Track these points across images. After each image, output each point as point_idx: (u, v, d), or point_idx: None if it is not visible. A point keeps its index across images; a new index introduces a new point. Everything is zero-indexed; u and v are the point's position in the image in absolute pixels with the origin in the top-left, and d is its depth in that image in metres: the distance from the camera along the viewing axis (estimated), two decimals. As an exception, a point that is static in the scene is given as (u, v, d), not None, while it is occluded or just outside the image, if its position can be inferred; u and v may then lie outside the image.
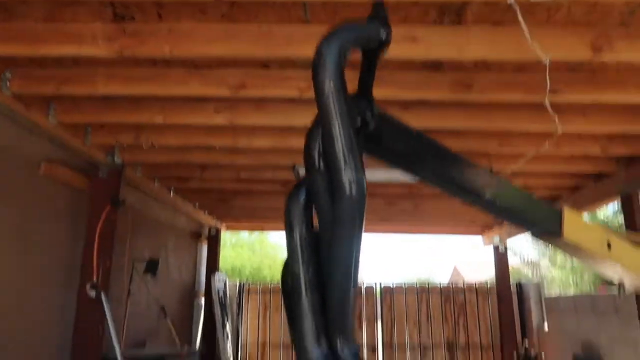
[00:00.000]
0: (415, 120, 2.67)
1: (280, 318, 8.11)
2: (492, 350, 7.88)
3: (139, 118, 3.56)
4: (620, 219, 6.89)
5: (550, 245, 1.57)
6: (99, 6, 2.47)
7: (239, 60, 2.95)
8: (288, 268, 1.13)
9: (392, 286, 8.34)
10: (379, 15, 1.21)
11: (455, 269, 26.53)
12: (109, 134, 3.99)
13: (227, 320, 7.50)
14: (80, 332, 3.88)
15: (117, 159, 4.26)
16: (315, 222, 1.16)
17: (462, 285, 8.58)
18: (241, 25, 2.55)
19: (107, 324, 3.80)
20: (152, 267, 5.06)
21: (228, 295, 7.91)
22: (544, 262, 13.78)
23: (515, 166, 4.02)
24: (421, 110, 3.32)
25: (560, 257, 12.92)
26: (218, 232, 7.91)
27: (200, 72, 3.03)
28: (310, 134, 1.14)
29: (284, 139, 3.88)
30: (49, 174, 3.77)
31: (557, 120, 2.90)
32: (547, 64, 2.38)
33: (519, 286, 7.89)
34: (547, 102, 2.67)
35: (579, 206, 4.91)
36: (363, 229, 1.07)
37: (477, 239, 8.60)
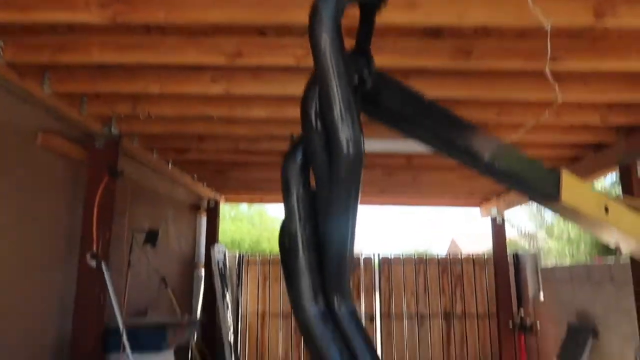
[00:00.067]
0: (414, 88, 2.64)
1: (279, 288, 8.21)
2: (488, 320, 8.02)
3: (134, 87, 3.53)
4: (618, 190, 6.92)
5: (548, 209, 1.57)
6: (91, -30, 2.42)
7: (235, 28, 2.90)
8: (285, 227, 1.13)
9: (390, 257, 8.42)
10: None
11: (453, 241, 26.74)
12: (105, 104, 3.95)
13: (227, 291, 7.58)
14: (82, 302, 3.92)
15: (114, 130, 4.23)
16: (313, 182, 1.16)
17: (459, 256, 8.67)
18: (237, -10, 2.50)
19: (108, 294, 3.84)
20: (151, 237, 5.09)
21: (228, 266, 7.99)
22: (541, 234, 13.89)
23: (514, 136, 3.99)
24: (420, 79, 3.28)
25: (557, 228, 13.02)
26: (217, 204, 7.94)
27: (195, 40, 2.98)
28: (307, 93, 1.12)
29: (281, 109, 3.85)
30: (46, 145, 3.74)
31: (557, 88, 2.87)
32: (549, 30, 2.34)
33: (516, 257, 7.97)
34: (547, 70, 2.64)
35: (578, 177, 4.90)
36: (360, 188, 1.07)
37: (475, 211, 8.65)
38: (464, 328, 8.10)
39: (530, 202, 11.60)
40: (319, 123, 1.08)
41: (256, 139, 4.80)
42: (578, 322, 5.98)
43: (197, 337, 6.51)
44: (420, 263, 8.35)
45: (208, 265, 7.36)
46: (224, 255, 7.82)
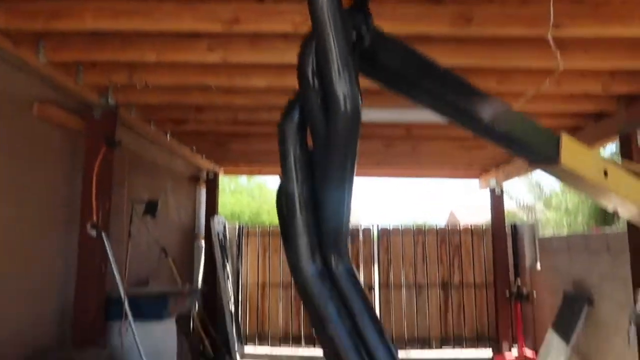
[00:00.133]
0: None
1: (279, 259, 8.29)
2: (485, 289, 8.12)
3: (130, 56, 3.48)
4: (618, 160, 6.89)
5: (547, 173, 1.57)
6: None
7: (231, -7, 2.85)
8: (283, 188, 1.13)
9: (389, 228, 8.47)
10: None
11: (451, 213, 26.88)
12: (101, 73, 3.91)
13: (227, 262, 7.66)
14: (83, 271, 3.96)
15: (111, 100, 4.19)
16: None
17: (457, 227, 8.72)
18: (233, -47, 2.44)
19: (109, 263, 3.87)
20: (151, 208, 5.10)
21: (228, 237, 8.05)
22: (539, 206, 13.96)
23: (515, 105, 3.97)
24: (420, 47, 3.21)
25: (555, 199, 13.07)
26: (216, 175, 7.94)
27: (191, 6, 2.93)
28: (303, 49, 1.10)
29: (280, 78, 3.81)
30: (42, 115, 3.72)
31: (559, 56, 2.84)
32: (552, -6, 2.29)
33: (514, 227, 8.03)
34: (549, 37, 2.60)
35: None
36: (357, 146, 1.06)
37: (474, 183, 8.67)
38: (462, 297, 8.21)
39: (528, 174, 11.62)
40: (316, 80, 1.06)
41: (255, 109, 4.77)
42: (574, 290, 6.06)
43: (198, 307, 6.61)
44: (419, 234, 8.41)
45: (208, 236, 7.42)
46: (224, 227, 7.87)
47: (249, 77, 3.82)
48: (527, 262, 7.65)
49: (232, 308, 7.34)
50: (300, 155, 1.09)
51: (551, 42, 2.62)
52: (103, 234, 3.86)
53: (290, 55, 3.30)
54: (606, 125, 4.49)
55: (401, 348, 7.90)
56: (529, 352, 6.88)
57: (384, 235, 8.43)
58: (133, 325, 3.77)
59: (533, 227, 7.94)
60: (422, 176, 9.21)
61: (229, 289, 7.36)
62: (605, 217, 11.43)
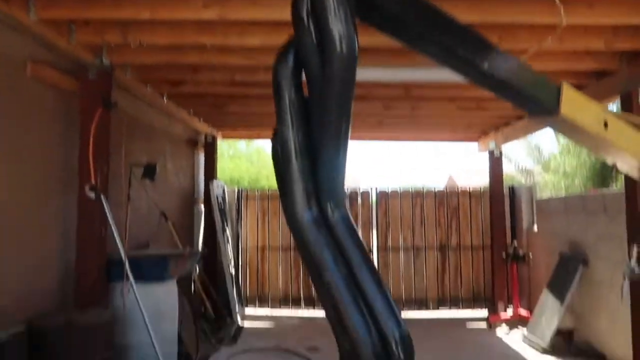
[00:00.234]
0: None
1: (278, 223, 8.34)
2: (482, 251, 8.22)
3: (124, 13, 3.40)
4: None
5: (547, 124, 1.55)
6: None
7: (226, -55, 2.75)
8: (278, 134, 1.11)
9: (387, 191, 8.50)
10: None
11: (450, 178, 26.93)
12: (95, 32, 3.82)
13: (227, 226, 7.71)
14: (83, 233, 3.97)
15: (105, 60, 4.12)
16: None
17: (456, 190, 8.75)
18: None
19: (109, 226, 3.88)
20: (149, 172, 5.08)
21: (227, 201, 8.07)
22: (538, 169, 13.97)
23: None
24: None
25: (553, 162, 13.07)
26: (214, 139, 7.90)
27: (185, -40, 2.84)
28: None
29: (278, 36, 3.70)
30: (35, 75, 3.66)
31: (562, 11, 2.78)
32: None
33: (512, 190, 8.05)
34: (553, -10, 2.54)
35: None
36: (354, 90, 1.04)
37: (473, 146, 8.64)
38: (459, 259, 8.32)
39: (528, 137, 11.57)
40: (311, 22, 1.03)
41: (252, 70, 4.69)
42: (570, 251, 6.13)
43: (199, 270, 6.69)
44: (417, 196, 8.44)
45: (207, 200, 7.44)
46: (223, 191, 7.89)
47: (246, 35, 3.74)
48: (524, 224, 7.71)
49: (233, 271, 7.43)
50: (295, 99, 1.07)
51: (555, -4, 2.55)
52: (102, 197, 3.85)
53: (288, 12, 3.23)
54: (608, 84, 4.44)
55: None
56: (523, 312, 7.01)
57: (382, 198, 8.45)
58: (134, 287, 3.81)
59: (531, 189, 7.97)
60: (422, 139, 9.17)
61: (229, 253, 7.43)
62: (603, 180, 11.46)
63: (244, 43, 3.82)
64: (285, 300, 8.35)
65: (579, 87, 4.95)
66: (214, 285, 7.06)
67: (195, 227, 7.72)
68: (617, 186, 10.47)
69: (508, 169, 12.56)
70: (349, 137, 1.05)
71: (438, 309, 8.22)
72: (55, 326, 3.36)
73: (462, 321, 7.59)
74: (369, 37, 3.59)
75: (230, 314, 6.93)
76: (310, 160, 1.05)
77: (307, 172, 1.04)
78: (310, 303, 8.17)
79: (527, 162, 14.34)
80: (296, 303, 8.32)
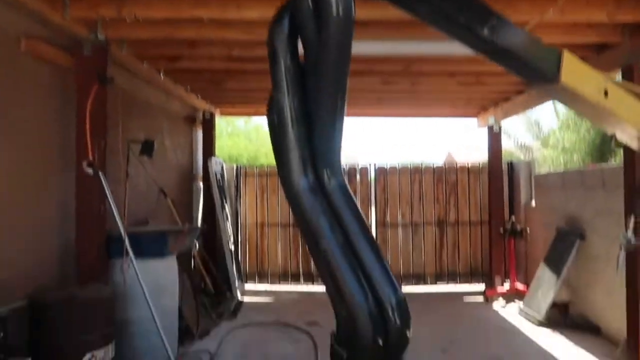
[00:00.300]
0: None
1: (277, 199, 8.36)
2: (480, 226, 8.27)
3: (118, -14, 3.33)
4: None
5: (546, 93, 1.53)
6: None
7: None
8: (273, 101, 1.10)
9: (386, 167, 8.49)
10: None
11: (449, 154, 26.91)
12: (89, 6, 3.76)
13: (226, 203, 7.73)
14: (82, 210, 3.97)
15: (101, 35, 4.05)
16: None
17: (454, 166, 8.75)
18: None
19: (108, 202, 3.88)
20: (147, 148, 5.06)
21: (226, 178, 8.08)
22: (537, 145, 13.95)
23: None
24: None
25: (552, 138, 13.04)
26: (212, 116, 7.86)
27: None
28: None
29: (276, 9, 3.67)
30: (30, 51, 3.61)
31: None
32: None
33: (510, 165, 8.05)
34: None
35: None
36: (350, 56, 1.02)
37: (472, 122, 8.60)
38: (457, 235, 8.37)
39: (527, 112, 11.52)
40: None
41: (250, 45, 4.63)
42: (567, 226, 6.16)
43: (198, 246, 6.73)
44: (416, 173, 8.45)
45: (206, 177, 7.44)
46: (222, 168, 7.88)
47: (243, 8, 3.68)
48: (523, 199, 7.73)
49: (232, 247, 7.47)
50: (291, 66, 1.05)
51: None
52: (100, 173, 3.84)
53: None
54: (609, 57, 4.40)
55: (397, 283, 8.12)
56: (520, 286, 7.08)
57: (381, 174, 8.46)
58: (134, 262, 3.83)
59: (529, 165, 7.98)
60: (421, 115, 9.13)
61: (228, 229, 7.46)
62: (602, 155, 11.45)
63: (242, 16, 3.76)
64: (285, 276, 8.43)
65: (579, 61, 4.92)
66: (214, 262, 7.11)
67: (194, 204, 7.74)
68: (616, 161, 10.47)
69: (507, 144, 12.56)
70: (346, 105, 1.04)
71: (436, 283, 8.32)
72: (55, 301, 3.38)
73: (460, 295, 7.68)
74: (368, 11, 3.54)
75: (230, 289, 7.00)
76: (307, 127, 1.04)
77: (304, 139, 1.03)
78: (309, 279, 8.25)
79: (527, 137, 14.33)
80: (295, 279, 8.40)
